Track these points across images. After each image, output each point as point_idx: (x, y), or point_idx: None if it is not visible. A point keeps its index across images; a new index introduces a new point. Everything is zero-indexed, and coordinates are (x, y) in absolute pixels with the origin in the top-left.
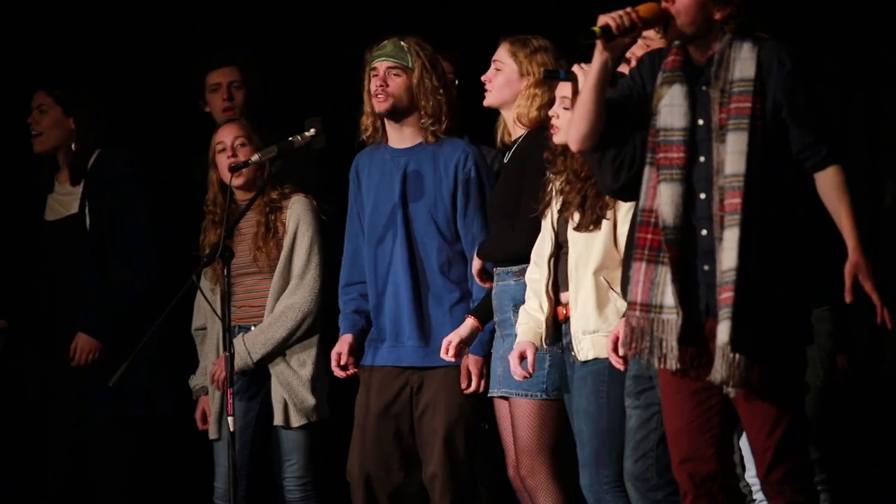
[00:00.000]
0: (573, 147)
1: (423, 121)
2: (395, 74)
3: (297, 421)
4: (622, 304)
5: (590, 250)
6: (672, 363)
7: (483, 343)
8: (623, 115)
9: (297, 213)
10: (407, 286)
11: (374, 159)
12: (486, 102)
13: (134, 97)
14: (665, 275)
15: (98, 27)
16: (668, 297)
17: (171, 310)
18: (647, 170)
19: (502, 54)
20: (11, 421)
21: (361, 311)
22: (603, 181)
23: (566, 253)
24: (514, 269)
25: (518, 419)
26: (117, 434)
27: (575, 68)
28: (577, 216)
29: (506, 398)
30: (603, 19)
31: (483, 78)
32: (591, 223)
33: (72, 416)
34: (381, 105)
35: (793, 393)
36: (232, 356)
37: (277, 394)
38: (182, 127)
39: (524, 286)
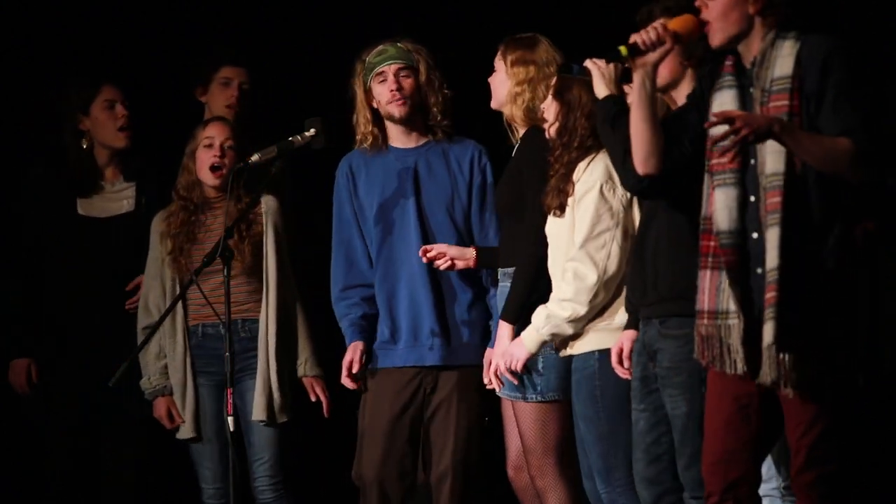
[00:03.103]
0: (641, 172)
1: (432, 119)
2: (404, 76)
3: (281, 416)
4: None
5: (557, 249)
6: (739, 367)
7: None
8: (681, 128)
9: (272, 211)
10: (426, 285)
11: (370, 160)
12: (492, 105)
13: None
14: (727, 280)
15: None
16: (731, 302)
17: (171, 308)
18: (705, 178)
19: (497, 56)
20: (11, 421)
21: (368, 316)
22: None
23: None
24: (510, 271)
25: (521, 421)
26: (121, 433)
27: (588, 63)
28: (548, 198)
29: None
30: (632, 38)
31: (489, 80)
32: (556, 207)
33: (72, 416)
34: (401, 109)
35: (834, 398)
36: (233, 355)
37: (264, 390)
38: (178, 128)
39: None
